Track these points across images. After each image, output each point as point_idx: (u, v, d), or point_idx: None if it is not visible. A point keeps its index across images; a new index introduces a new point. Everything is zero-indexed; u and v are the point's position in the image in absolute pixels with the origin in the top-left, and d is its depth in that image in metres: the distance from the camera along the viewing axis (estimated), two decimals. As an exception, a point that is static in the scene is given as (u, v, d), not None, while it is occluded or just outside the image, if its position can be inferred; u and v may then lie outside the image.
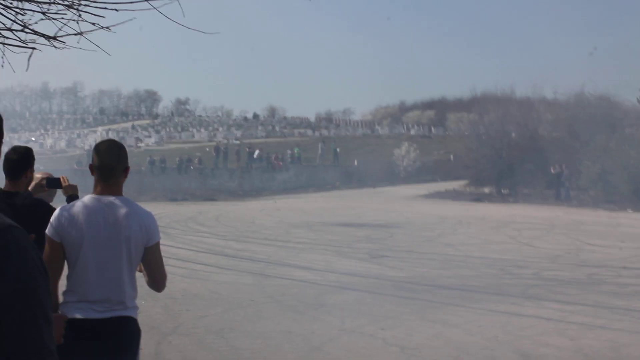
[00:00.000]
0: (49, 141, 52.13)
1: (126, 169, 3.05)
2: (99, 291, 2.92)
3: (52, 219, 2.95)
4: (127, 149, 3.18)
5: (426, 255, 13.12)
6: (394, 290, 9.52)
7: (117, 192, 3.01)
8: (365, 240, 15.69)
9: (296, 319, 7.77)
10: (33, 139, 51.27)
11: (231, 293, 9.30)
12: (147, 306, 7.79)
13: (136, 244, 2.98)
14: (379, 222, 19.85)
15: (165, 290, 3.22)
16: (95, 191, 3.00)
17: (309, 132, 62.57)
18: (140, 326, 3.03)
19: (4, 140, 1.44)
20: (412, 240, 15.67)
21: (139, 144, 49.62)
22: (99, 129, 62.34)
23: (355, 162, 44.42)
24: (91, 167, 3.01)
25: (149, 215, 3.04)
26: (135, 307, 3.02)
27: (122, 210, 2.96)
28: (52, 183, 3.72)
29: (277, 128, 68.06)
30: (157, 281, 3.09)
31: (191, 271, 11.11)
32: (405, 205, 26.69)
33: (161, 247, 3.08)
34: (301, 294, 9.22)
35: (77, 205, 2.95)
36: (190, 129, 63.23)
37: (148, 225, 3.01)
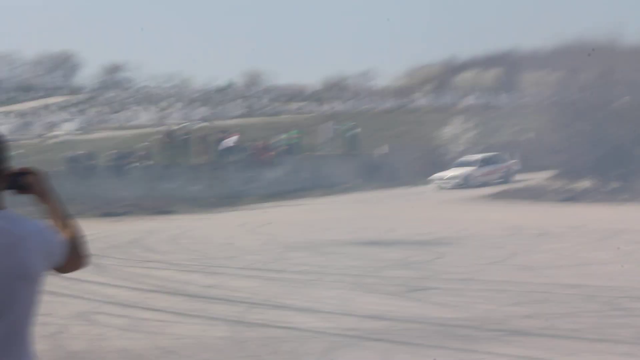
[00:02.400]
0: None
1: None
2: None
3: None
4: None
5: (492, 285, 13.11)
6: (443, 340, 9.51)
7: (-3, 205, 2.98)
8: (399, 265, 15.72)
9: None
10: None
11: (195, 352, 9.29)
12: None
13: (39, 279, 2.96)
14: (421, 238, 19.86)
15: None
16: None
17: (312, 106, 62.62)
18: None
19: None
20: (471, 263, 15.66)
21: (53, 133, 49.70)
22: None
23: (383, 150, 44.38)
24: None
25: (45, 229, 3.01)
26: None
27: (12, 235, 2.91)
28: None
29: (263, 102, 68.16)
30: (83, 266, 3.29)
31: (134, 321, 11.10)
32: (460, 212, 26.74)
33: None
34: (301, 350, 9.22)
35: None
36: (132, 108, 63.42)
37: (51, 243, 2.99)
